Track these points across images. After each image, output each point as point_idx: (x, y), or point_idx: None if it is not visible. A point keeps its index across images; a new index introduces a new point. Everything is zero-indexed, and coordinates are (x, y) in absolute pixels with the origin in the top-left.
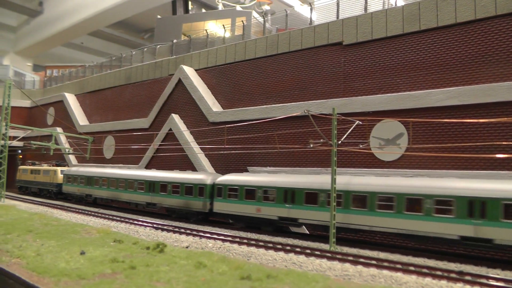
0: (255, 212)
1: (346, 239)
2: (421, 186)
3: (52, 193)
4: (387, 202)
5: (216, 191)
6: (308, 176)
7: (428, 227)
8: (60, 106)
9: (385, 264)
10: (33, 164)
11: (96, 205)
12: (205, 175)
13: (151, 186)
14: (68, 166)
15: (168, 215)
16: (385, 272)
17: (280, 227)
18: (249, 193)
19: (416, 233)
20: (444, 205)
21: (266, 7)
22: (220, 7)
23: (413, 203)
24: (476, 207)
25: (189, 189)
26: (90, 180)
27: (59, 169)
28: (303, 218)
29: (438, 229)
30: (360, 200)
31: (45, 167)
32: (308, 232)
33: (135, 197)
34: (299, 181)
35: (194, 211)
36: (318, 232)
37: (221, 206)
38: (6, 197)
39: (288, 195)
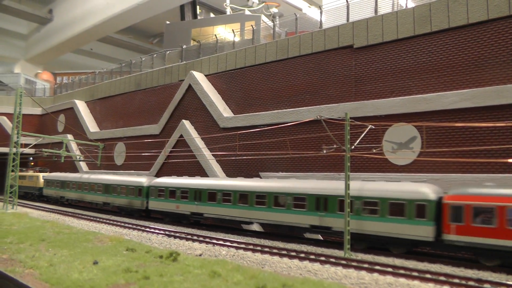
0: (175, 208)
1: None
2: (284, 187)
3: (35, 196)
4: (262, 199)
5: (150, 192)
6: (213, 179)
7: (289, 218)
8: (71, 113)
9: (401, 271)
10: (21, 170)
11: (70, 206)
12: (144, 178)
13: (106, 188)
14: (50, 172)
15: (118, 213)
16: (402, 280)
17: (196, 221)
18: (171, 193)
19: (281, 223)
20: (299, 201)
21: (274, 10)
22: (228, 11)
23: (278, 200)
24: (322, 203)
25: (132, 190)
26: (63, 184)
27: (41, 175)
28: (206, 213)
29: (295, 220)
30: (243, 196)
31: (30, 173)
32: (322, 238)
33: (95, 198)
34: (204, 183)
35: (136, 208)
36: (218, 224)
37: (153, 204)
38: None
39: (197, 194)
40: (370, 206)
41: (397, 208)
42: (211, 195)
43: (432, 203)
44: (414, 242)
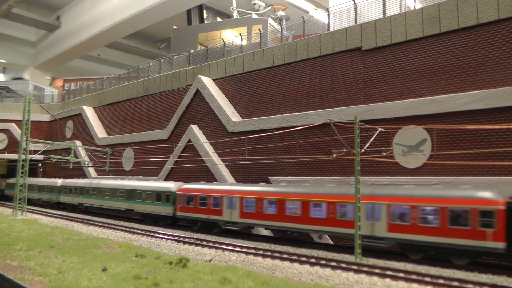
0: (72, 201)
1: (371, 249)
2: (116, 184)
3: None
4: (106, 192)
5: (61, 190)
6: (91, 180)
7: (117, 204)
8: (79, 119)
9: (414, 277)
10: None
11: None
12: (59, 180)
13: (40, 188)
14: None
15: (46, 206)
16: (415, 285)
17: (87, 209)
18: (71, 190)
19: (114, 207)
20: (122, 193)
21: (280, 13)
22: (235, 15)
23: (113, 193)
24: (130, 194)
25: (51, 189)
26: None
27: (3, 180)
28: (85, 203)
29: (119, 205)
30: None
31: None
32: (332, 243)
33: (34, 195)
34: (84, 183)
35: (54, 202)
36: (93, 211)
37: (62, 199)
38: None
39: (80, 191)
40: (149, 195)
41: (158, 196)
42: (87, 191)
43: (173, 193)
44: (165, 217)
